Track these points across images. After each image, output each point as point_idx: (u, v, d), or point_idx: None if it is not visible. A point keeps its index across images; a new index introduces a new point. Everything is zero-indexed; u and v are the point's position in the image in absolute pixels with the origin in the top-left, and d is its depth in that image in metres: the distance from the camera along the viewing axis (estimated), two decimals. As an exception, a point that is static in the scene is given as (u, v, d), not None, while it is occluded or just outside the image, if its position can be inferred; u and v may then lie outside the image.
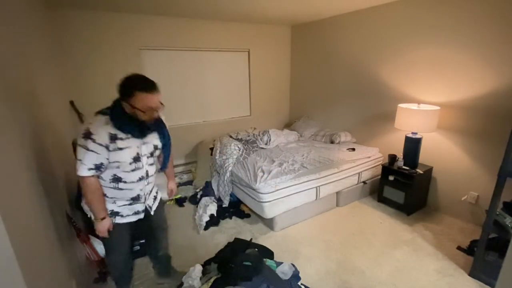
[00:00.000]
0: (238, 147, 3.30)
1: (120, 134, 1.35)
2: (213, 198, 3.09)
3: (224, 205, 2.98)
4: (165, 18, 3.37)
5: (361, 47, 3.38)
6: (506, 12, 2.16)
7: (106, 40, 3.10)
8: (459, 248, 2.31)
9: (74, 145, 2.78)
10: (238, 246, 2.13)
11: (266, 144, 3.56)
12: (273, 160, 2.99)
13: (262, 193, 2.47)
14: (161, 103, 1.40)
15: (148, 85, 1.32)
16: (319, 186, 2.78)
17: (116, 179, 1.44)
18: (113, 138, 1.34)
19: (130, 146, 1.40)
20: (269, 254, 2.17)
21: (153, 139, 1.53)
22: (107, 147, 1.32)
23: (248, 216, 2.88)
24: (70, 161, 2.58)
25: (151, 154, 1.53)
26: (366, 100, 3.46)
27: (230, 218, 2.87)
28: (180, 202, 3.21)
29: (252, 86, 4.34)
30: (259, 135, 3.76)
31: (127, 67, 3.27)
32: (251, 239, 2.33)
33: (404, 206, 2.83)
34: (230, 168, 2.99)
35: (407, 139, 2.79)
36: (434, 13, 2.59)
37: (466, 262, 2.13)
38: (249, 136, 3.79)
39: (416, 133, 2.74)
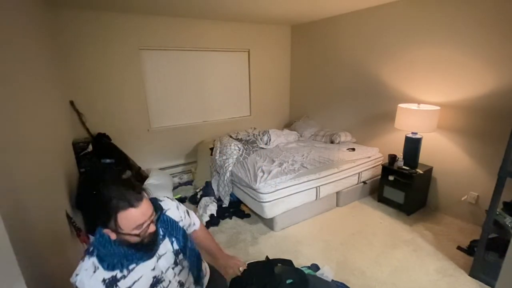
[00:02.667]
0: (238, 147, 3.30)
1: (120, 273, 0.97)
2: (213, 198, 3.09)
3: (224, 205, 2.98)
4: (165, 18, 3.37)
5: (361, 47, 3.38)
6: (506, 12, 2.16)
7: (106, 40, 3.10)
8: (459, 248, 2.31)
9: (74, 145, 2.80)
10: (259, 270, 1.89)
11: (266, 144, 3.56)
12: (273, 160, 2.99)
13: (262, 193, 2.47)
14: (154, 210, 1.01)
15: (129, 197, 0.93)
16: (319, 186, 2.78)
17: None
18: (112, 283, 0.95)
19: (142, 274, 1.01)
20: (290, 263, 1.96)
21: (168, 245, 1.12)
22: None
23: (248, 216, 2.88)
24: (70, 161, 2.59)
25: (176, 263, 1.13)
26: (366, 100, 3.46)
27: (230, 218, 2.87)
28: (180, 202, 3.19)
29: (252, 86, 4.34)
30: (259, 135, 3.76)
31: (127, 67, 3.28)
32: (267, 256, 2.14)
33: (404, 206, 2.83)
34: (230, 168, 2.99)
35: (407, 139, 2.79)
36: (434, 13, 2.59)
37: (466, 262, 2.13)
38: (249, 136, 3.79)
39: (416, 133, 2.74)
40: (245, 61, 4.21)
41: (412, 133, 2.76)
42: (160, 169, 3.66)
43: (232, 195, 3.03)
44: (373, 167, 3.22)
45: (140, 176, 3.28)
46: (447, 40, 2.54)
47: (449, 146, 2.71)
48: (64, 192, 2.03)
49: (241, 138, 3.68)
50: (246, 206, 2.90)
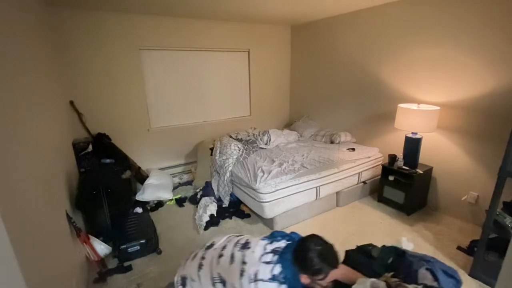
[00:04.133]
0: (238, 147, 3.30)
1: None
2: (213, 198, 3.09)
3: (224, 205, 2.98)
4: (165, 18, 3.37)
5: (361, 47, 3.38)
6: (507, 12, 2.16)
7: (106, 40, 3.10)
8: (459, 248, 2.31)
9: (74, 145, 2.80)
10: (360, 258, 1.89)
11: (266, 144, 3.56)
12: (273, 160, 2.99)
13: (262, 193, 2.47)
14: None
15: (337, 259, 1.21)
16: (319, 186, 2.78)
17: None
18: None
19: None
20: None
21: None
22: None
23: (248, 216, 2.88)
24: (70, 161, 2.58)
25: None
26: (366, 100, 3.46)
27: (230, 218, 2.86)
28: (180, 202, 3.21)
29: (252, 86, 4.34)
30: (259, 135, 3.76)
31: (127, 67, 3.28)
32: (357, 246, 2.07)
33: (404, 206, 2.83)
34: (230, 168, 2.99)
35: (407, 139, 2.79)
36: (434, 12, 2.59)
37: (466, 262, 2.13)
38: (249, 136, 3.79)
39: (416, 133, 2.74)
40: (245, 61, 4.21)
41: (412, 133, 2.76)
42: (160, 169, 3.66)
43: (232, 195, 3.03)
44: (373, 167, 3.22)
45: (140, 176, 3.29)
46: (447, 39, 2.54)
47: (449, 146, 2.71)
48: (64, 192, 2.02)
49: (241, 138, 3.68)
50: (246, 206, 2.90)
